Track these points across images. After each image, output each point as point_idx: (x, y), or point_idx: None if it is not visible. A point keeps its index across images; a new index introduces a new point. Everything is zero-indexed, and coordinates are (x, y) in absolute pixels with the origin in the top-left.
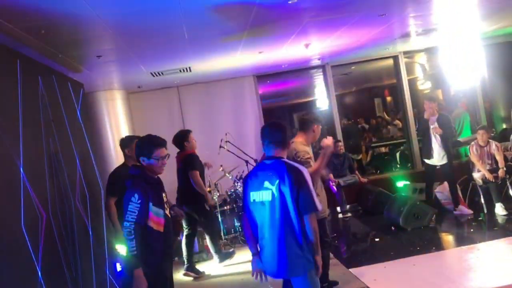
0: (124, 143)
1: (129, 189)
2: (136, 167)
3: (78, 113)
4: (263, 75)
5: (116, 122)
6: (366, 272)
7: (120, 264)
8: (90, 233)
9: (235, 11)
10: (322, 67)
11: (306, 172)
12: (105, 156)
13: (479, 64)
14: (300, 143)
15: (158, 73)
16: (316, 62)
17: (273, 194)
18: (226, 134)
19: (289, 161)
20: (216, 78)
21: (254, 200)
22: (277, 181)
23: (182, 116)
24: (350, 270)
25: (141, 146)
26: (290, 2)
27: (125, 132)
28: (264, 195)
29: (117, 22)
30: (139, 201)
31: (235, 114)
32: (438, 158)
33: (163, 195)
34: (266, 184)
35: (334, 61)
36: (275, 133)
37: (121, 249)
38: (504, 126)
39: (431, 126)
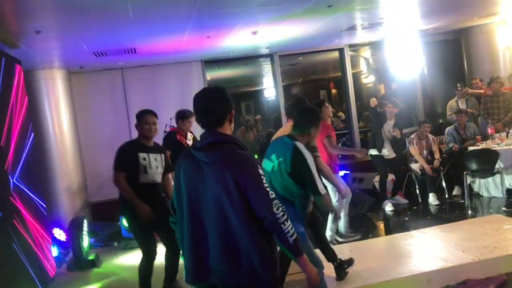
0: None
1: (240, 160)
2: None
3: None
4: (211, 61)
5: (56, 102)
6: None
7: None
8: None
9: None
10: (270, 56)
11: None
12: (44, 135)
13: (420, 60)
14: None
15: (101, 53)
16: (264, 50)
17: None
18: (170, 119)
19: (299, 144)
20: (163, 62)
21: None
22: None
23: (126, 100)
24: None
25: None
26: None
27: (65, 113)
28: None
29: None
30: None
31: (181, 99)
32: (390, 151)
33: None
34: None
35: (282, 51)
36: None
37: None
38: (441, 121)
39: (392, 129)
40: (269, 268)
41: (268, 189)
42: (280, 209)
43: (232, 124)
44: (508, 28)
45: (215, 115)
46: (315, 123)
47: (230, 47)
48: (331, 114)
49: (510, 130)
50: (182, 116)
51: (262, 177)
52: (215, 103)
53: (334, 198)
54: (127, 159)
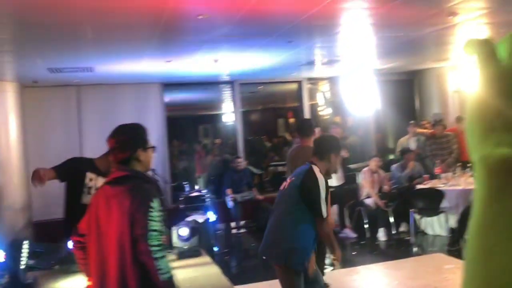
0: None
1: (137, 193)
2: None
3: None
4: (171, 84)
5: (5, 115)
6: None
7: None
8: None
9: (145, 18)
10: (231, 83)
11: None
12: None
13: (375, 98)
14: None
15: (57, 70)
16: (225, 77)
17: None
18: None
19: (314, 168)
20: (121, 82)
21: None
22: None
23: (79, 118)
24: (238, 286)
25: (139, 133)
26: (200, 17)
27: (14, 127)
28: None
29: (17, 12)
30: (159, 208)
31: (138, 120)
32: (336, 179)
33: None
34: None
35: (242, 79)
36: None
37: None
38: (391, 156)
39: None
40: None
41: (153, 222)
42: (159, 246)
43: (142, 162)
44: (458, 73)
45: (125, 152)
46: (335, 150)
47: (190, 72)
48: None
49: (454, 171)
50: None
51: (151, 209)
52: (124, 141)
53: None
54: (70, 171)
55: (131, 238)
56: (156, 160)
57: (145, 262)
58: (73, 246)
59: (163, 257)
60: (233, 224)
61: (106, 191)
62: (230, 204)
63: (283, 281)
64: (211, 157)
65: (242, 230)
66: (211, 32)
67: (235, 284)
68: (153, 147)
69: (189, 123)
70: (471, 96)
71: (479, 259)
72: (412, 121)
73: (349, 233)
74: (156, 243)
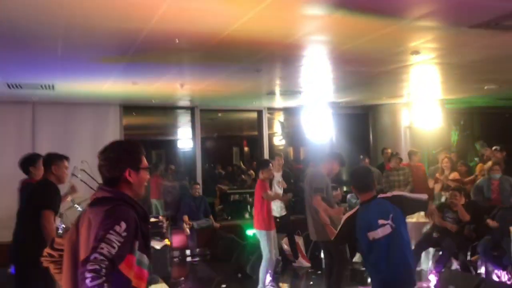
0: (52, 159)
1: (109, 214)
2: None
3: None
4: (130, 106)
5: None
6: None
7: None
8: None
9: (121, 39)
10: (191, 109)
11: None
12: None
13: (330, 129)
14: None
15: (16, 86)
16: (186, 103)
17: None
18: (82, 162)
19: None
20: (79, 101)
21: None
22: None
23: (33, 137)
24: None
25: (130, 152)
26: (177, 41)
27: None
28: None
29: None
30: (125, 234)
31: (95, 142)
32: (277, 210)
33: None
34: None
35: (204, 105)
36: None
37: None
38: (345, 188)
39: (277, 179)
40: None
41: (109, 247)
42: (100, 269)
43: (140, 181)
44: (410, 110)
45: (111, 172)
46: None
47: (153, 95)
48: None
49: None
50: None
51: (112, 232)
52: (114, 158)
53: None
54: (58, 201)
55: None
56: None
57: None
58: (43, 259)
59: (99, 285)
60: (188, 252)
61: (88, 213)
62: (187, 231)
63: None
64: (166, 183)
65: (197, 258)
66: (183, 55)
67: None
68: (148, 168)
69: (145, 147)
70: None
71: None
72: (361, 156)
73: (303, 262)
74: (94, 267)
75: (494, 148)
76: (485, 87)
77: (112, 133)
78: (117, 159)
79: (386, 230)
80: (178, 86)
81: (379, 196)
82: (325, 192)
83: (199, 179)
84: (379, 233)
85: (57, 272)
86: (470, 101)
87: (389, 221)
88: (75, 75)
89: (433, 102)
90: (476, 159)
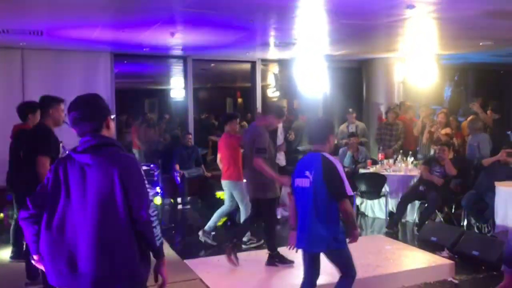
0: (50, 101)
1: (134, 160)
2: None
3: None
4: (121, 54)
5: None
6: (200, 264)
7: None
8: None
9: None
10: (184, 58)
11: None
12: None
13: (325, 83)
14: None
15: (3, 30)
16: (178, 52)
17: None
18: None
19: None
20: (70, 48)
21: (297, 185)
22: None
23: (23, 82)
24: (185, 261)
25: (103, 102)
26: None
27: None
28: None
29: None
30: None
31: (85, 89)
32: (282, 160)
33: None
34: (306, 173)
35: (196, 55)
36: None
37: None
38: (335, 141)
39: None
40: (140, 266)
41: (148, 190)
42: (155, 213)
43: (111, 130)
44: (404, 65)
45: (94, 121)
46: (332, 131)
47: (144, 43)
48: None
49: (397, 157)
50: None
51: (144, 178)
52: (93, 110)
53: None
54: (52, 145)
55: (125, 207)
56: None
57: (144, 230)
58: (24, 221)
59: (158, 224)
60: (179, 200)
61: (80, 160)
62: (178, 179)
63: None
64: (156, 132)
65: (187, 206)
66: (173, 3)
67: (183, 258)
68: (113, 118)
69: (137, 96)
70: None
71: None
72: (350, 109)
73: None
74: (153, 211)
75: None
76: (480, 43)
77: (103, 81)
78: (99, 108)
79: (305, 182)
80: (168, 35)
81: (322, 153)
82: (267, 152)
83: (191, 129)
84: (302, 182)
85: (35, 235)
86: (465, 57)
87: (311, 176)
88: (63, 21)
89: (427, 57)
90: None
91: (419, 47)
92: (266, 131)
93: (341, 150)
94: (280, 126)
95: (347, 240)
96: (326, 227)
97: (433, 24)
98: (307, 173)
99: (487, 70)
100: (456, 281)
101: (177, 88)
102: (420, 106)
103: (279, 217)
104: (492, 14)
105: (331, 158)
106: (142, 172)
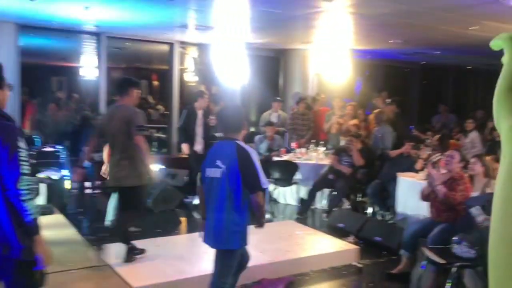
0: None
1: (8, 130)
2: None
3: None
4: (29, 26)
5: None
6: (109, 250)
7: None
8: None
9: None
10: (97, 35)
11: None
12: None
13: (245, 70)
14: None
15: None
16: (91, 28)
17: (223, 173)
18: None
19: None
20: None
21: (208, 175)
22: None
23: None
24: (94, 247)
25: None
26: None
27: None
28: (215, 172)
29: None
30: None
31: None
32: (199, 146)
33: None
34: (218, 162)
35: (111, 32)
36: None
37: None
38: (252, 129)
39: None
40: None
41: (23, 163)
42: (28, 187)
43: (3, 97)
44: (319, 57)
45: None
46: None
47: (55, 16)
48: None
49: (309, 147)
50: None
51: (20, 149)
52: None
53: None
54: None
55: None
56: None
57: (13, 202)
58: None
59: (30, 199)
60: (87, 184)
61: None
62: (86, 163)
63: None
64: (64, 113)
65: (97, 191)
66: None
67: (92, 244)
68: (10, 85)
69: (43, 73)
70: (503, 76)
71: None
72: (278, 98)
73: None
74: (25, 187)
75: (387, 100)
76: (391, 41)
77: (6, 53)
78: None
79: (217, 173)
80: (81, 8)
81: (236, 141)
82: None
83: (103, 110)
84: (213, 172)
85: None
86: (376, 53)
87: (223, 166)
88: None
89: (341, 51)
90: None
91: (334, 41)
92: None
93: (257, 138)
94: (200, 112)
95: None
96: (239, 221)
97: (349, 19)
98: (219, 162)
99: (395, 67)
100: (360, 265)
101: (88, 66)
102: (333, 98)
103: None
104: (404, 14)
105: (246, 147)
106: (20, 144)
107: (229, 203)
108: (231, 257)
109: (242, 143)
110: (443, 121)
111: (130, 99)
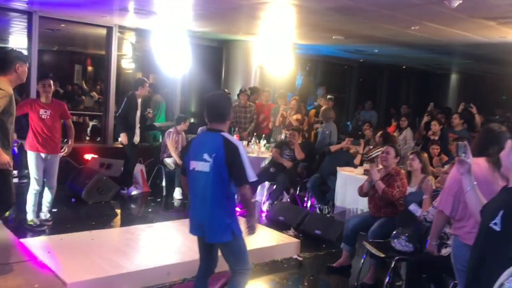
0: None
1: None
2: None
3: None
4: None
5: None
6: (40, 244)
7: None
8: None
9: None
10: (29, 13)
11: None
12: None
13: (187, 59)
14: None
15: None
16: (22, 5)
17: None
18: None
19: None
20: None
21: (193, 168)
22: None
23: None
24: (21, 240)
25: None
26: None
27: None
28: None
29: None
30: None
31: None
32: (137, 137)
33: None
34: (205, 156)
35: (44, 12)
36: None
37: None
38: (192, 120)
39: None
40: None
41: None
42: None
43: None
44: (262, 50)
45: None
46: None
47: None
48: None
49: (251, 139)
50: None
51: None
52: None
53: None
54: None
55: None
56: None
57: None
58: None
59: None
60: (15, 173)
61: None
62: (14, 150)
63: None
64: None
65: (25, 180)
66: None
67: (19, 237)
68: None
69: None
70: None
71: None
72: (225, 90)
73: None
74: None
75: (328, 97)
76: (333, 37)
77: None
78: None
79: (204, 167)
80: None
81: (222, 133)
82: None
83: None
84: (200, 165)
85: None
86: (317, 48)
87: (211, 160)
88: None
89: (284, 44)
90: (316, 103)
91: (277, 34)
92: None
93: (200, 130)
94: (138, 100)
95: (243, 232)
96: (229, 214)
97: (293, 12)
98: (206, 156)
99: (334, 64)
100: (300, 258)
101: (17, 47)
102: (275, 92)
103: (133, 193)
104: (349, 9)
105: (233, 139)
106: None
107: (219, 197)
108: (236, 244)
109: (228, 135)
110: (367, 117)
111: (12, 76)
